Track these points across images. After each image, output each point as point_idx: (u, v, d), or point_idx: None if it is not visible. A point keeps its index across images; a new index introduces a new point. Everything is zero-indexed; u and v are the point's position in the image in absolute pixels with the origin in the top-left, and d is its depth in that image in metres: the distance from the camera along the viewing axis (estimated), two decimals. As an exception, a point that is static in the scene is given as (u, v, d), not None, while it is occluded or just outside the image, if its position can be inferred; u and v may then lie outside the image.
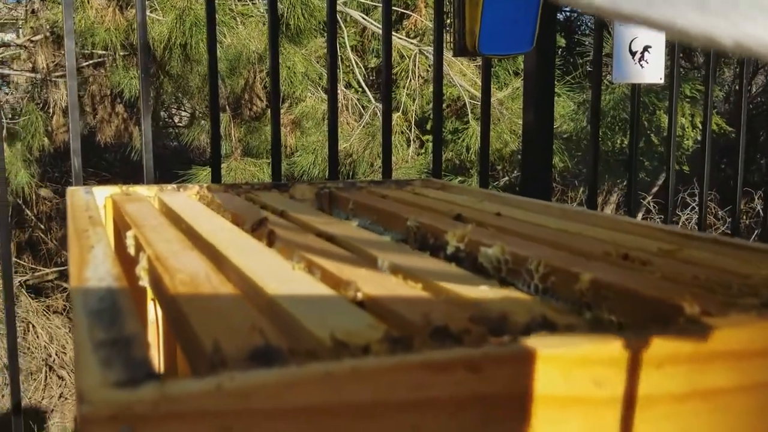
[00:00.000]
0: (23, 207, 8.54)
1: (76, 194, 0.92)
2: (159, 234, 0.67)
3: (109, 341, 0.33)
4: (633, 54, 2.53)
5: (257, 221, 0.73)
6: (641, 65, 2.52)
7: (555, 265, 0.59)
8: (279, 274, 0.51)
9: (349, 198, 1.00)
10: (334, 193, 1.06)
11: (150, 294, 0.60)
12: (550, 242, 0.69)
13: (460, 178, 5.12)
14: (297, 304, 0.44)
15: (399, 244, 0.66)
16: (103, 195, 0.97)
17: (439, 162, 1.92)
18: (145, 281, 0.56)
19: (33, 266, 8.85)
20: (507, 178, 5.44)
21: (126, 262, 0.71)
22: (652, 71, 2.51)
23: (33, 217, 8.84)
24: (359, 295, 0.48)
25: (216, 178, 1.58)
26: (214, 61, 1.64)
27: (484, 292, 0.49)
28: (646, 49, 2.52)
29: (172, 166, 7.65)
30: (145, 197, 0.95)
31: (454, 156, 5.31)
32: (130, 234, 0.70)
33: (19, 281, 8.44)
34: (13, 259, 8.44)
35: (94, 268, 0.47)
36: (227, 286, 0.48)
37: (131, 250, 0.69)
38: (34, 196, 8.29)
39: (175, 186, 1.02)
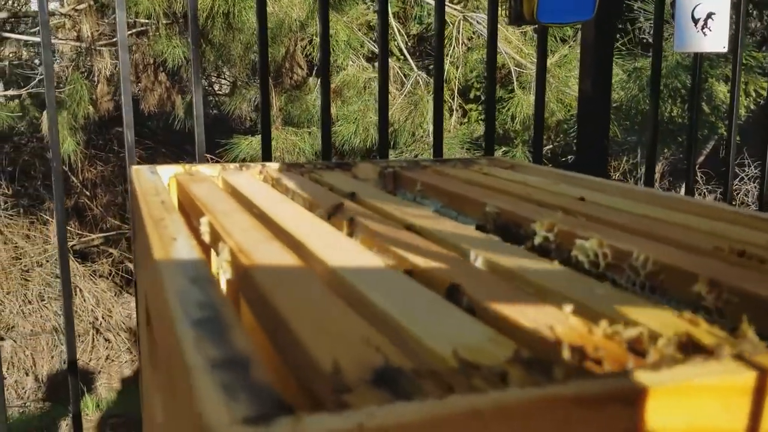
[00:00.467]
0: (69, 174, 8.70)
1: (141, 175, 0.90)
2: (234, 221, 0.64)
3: (223, 361, 0.30)
4: (695, 21, 2.42)
5: (333, 206, 0.70)
6: (704, 33, 2.41)
7: (665, 263, 0.55)
8: (374, 275, 0.48)
9: (416, 179, 0.96)
10: (399, 173, 1.03)
11: (225, 283, 0.57)
12: (649, 234, 0.64)
13: (504, 149, 5.03)
14: (405, 313, 0.40)
15: (486, 236, 0.62)
16: (167, 175, 0.94)
17: (492, 138, 1.86)
18: (228, 274, 0.54)
19: (79, 232, 9.05)
20: (551, 146, 5.33)
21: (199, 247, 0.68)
22: (715, 39, 2.39)
23: (79, 184, 9.01)
24: (465, 300, 0.45)
25: (267, 156, 1.55)
26: (264, 37, 1.60)
27: (606, 298, 0.45)
28: (709, 16, 2.41)
29: (213, 135, 7.68)
30: (209, 177, 0.93)
31: (498, 126, 5.21)
32: (204, 221, 0.67)
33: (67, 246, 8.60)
34: (60, 225, 8.60)
35: (184, 267, 0.45)
36: (324, 289, 0.45)
37: (206, 238, 0.66)
38: (79, 164, 8.44)
39: (237, 165, 0.99)
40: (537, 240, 0.68)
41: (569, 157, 5.38)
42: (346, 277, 0.47)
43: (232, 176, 0.94)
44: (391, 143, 5.47)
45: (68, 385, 1.59)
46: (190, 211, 0.77)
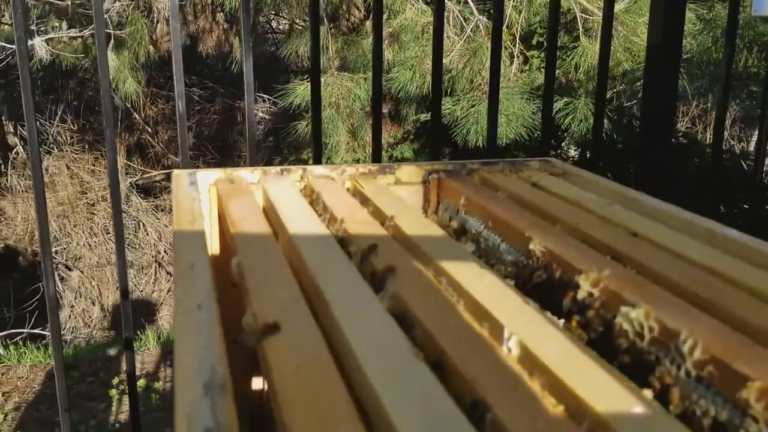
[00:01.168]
0: (132, 111, 8.85)
1: (180, 184, 0.89)
2: (266, 272, 0.62)
3: None
4: (778, -19, 2.24)
5: (367, 249, 0.67)
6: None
7: (715, 354, 0.51)
8: (396, 371, 0.45)
9: (461, 191, 0.92)
10: (443, 181, 0.99)
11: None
12: (707, 302, 0.60)
13: (566, 99, 4.86)
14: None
15: (524, 302, 0.58)
16: (207, 181, 0.93)
17: (548, 140, 1.78)
18: (253, 340, 0.52)
19: (142, 168, 9.26)
20: (617, 102, 5.12)
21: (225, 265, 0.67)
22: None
23: (141, 121, 9.16)
24: (489, 420, 0.42)
25: (317, 160, 1.53)
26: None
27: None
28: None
29: (267, 75, 7.65)
30: (249, 187, 0.91)
31: (561, 74, 5.02)
32: (234, 263, 0.65)
33: (130, 182, 8.86)
34: (124, 161, 8.82)
35: (199, 370, 0.43)
36: (341, 395, 0.42)
37: (236, 278, 0.64)
38: (141, 102, 8.56)
39: (278, 170, 0.97)
40: (580, 295, 0.64)
41: (634, 105, 5.15)
42: (367, 374, 0.45)
43: (271, 186, 0.91)
44: (448, 90, 5.35)
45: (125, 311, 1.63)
46: (225, 238, 0.76)
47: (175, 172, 0.95)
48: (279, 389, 0.45)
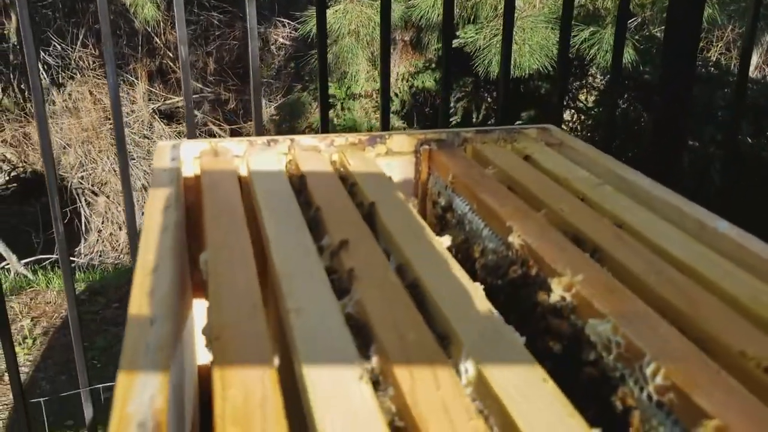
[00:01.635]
0: (153, 36, 8.75)
1: (161, 158, 0.87)
2: (230, 276, 0.61)
3: None
4: None
5: (337, 246, 0.66)
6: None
7: (676, 382, 0.49)
8: (335, 397, 0.45)
9: (449, 167, 0.90)
10: (434, 153, 0.96)
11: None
12: (681, 315, 0.57)
13: (592, 29, 4.68)
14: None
15: (491, 316, 0.57)
16: (191, 153, 0.91)
17: (560, 110, 1.70)
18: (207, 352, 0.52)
19: (164, 93, 9.23)
20: (645, 30, 4.92)
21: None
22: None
23: (162, 46, 9.07)
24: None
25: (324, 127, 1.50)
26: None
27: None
28: None
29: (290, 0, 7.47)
30: (233, 162, 0.89)
31: (588, 2, 4.83)
32: (202, 260, 0.65)
33: (152, 108, 8.86)
34: (146, 87, 8.80)
35: (146, 351, 0.43)
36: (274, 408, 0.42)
37: (204, 276, 0.64)
38: (162, 26, 8.46)
39: (266, 141, 0.94)
40: (552, 298, 0.63)
41: (658, 31, 4.95)
42: (310, 399, 0.44)
43: (256, 160, 0.89)
44: (471, 17, 5.19)
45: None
46: (200, 226, 0.75)
47: (159, 145, 0.93)
48: (218, 412, 0.44)
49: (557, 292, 0.62)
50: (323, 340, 0.52)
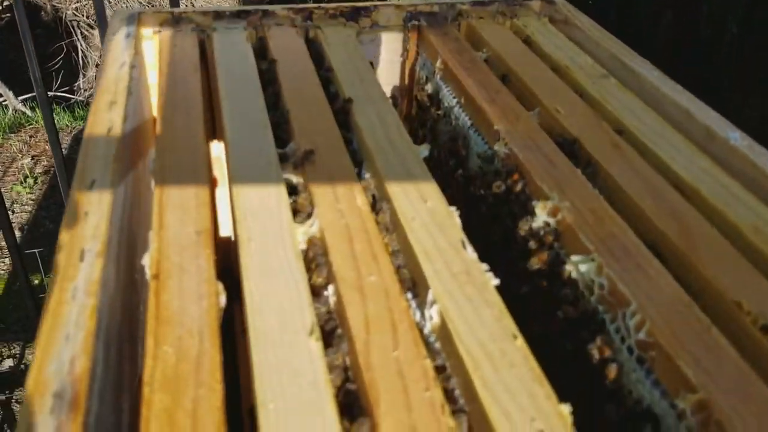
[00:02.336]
0: None
1: (114, 33, 0.78)
2: (181, 189, 0.55)
3: None
4: None
5: (303, 155, 0.59)
6: None
7: (661, 341, 0.44)
8: (281, 339, 0.40)
9: (438, 50, 0.80)
10: (424, 31, 0.86)
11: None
12: (674, 250, 0.52)
13: None
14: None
15: (463, 253, 0.51)
16: (151, 27, 0.82)
17: None
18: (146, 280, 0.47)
19: None
20: None
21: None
22: None
23: None
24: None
25: None
26: None
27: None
28: None
29: None
30: (192, 46, 0.79)
31: None
32: (150, 161, 0.58)
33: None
34: None
35: (73, 295, 0.38)
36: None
37: (154, 180, 0.58)
38: None
39: (234, 12, 0.84)
40: (535, 223, 0.57)
41: None
42: (254, 363, 0.40)
43: (221, 39, 0.80)
44: None
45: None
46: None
47: (114, 16, 0.83)
48: (147, 373, 0.40)
49: (541, 217, 0.56)
50: (275, 279, 0.47)
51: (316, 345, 0.42)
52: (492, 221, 0.64)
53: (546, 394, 0.40)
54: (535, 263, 0.55)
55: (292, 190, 0.57)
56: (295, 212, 0.55)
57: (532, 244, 0.56)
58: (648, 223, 0.55)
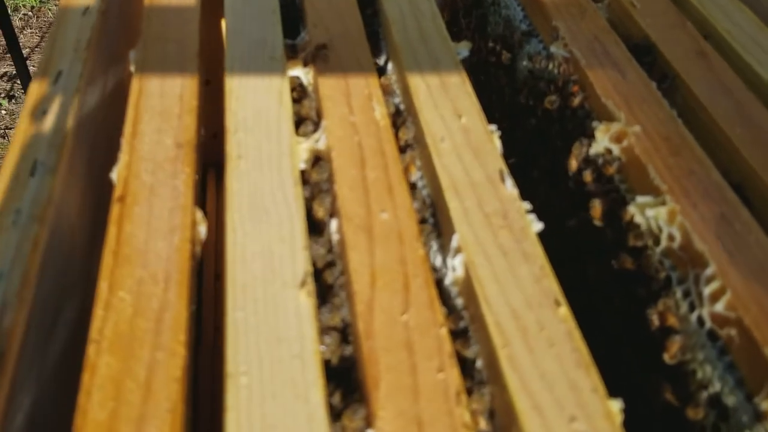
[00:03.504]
0: None
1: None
2: (162, 85, 0.46)
3: None
4: None
5: (313, 51, 0.49)
6: None
7: (744, 319, 0.35)
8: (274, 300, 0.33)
9: None
10: None
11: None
12: (761, 186, 0.41)
13: None
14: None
15: (499, 185, 0.41)
16: None
17: None
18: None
19: None
20: None
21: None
22: None
23: None
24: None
25: None
26: None
27: None
28: None
29: None
30: None
31: None
32: (131, 57, 0.49)
33: None
34: None
35: (15, 219, 0.31)
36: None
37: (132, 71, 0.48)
38: None
39: None
40: (594, 149, 0.46)
41: None
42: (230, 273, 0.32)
43: None
44: None
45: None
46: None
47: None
48: (95, 327, 0.33)
49: (602, 142, 0.46)
50: (265, 212, 0.38)
51: (306, 302, 0.34)
52: (540, 143, 0.54)
53: (592, 386, 0.32)
54: (592, 204, 0.45)
55: (299, 94, 0.47)
56: (300, 121, 0.45)
57: (587, 176, 0.46)
58: (737, 158, 0.44)
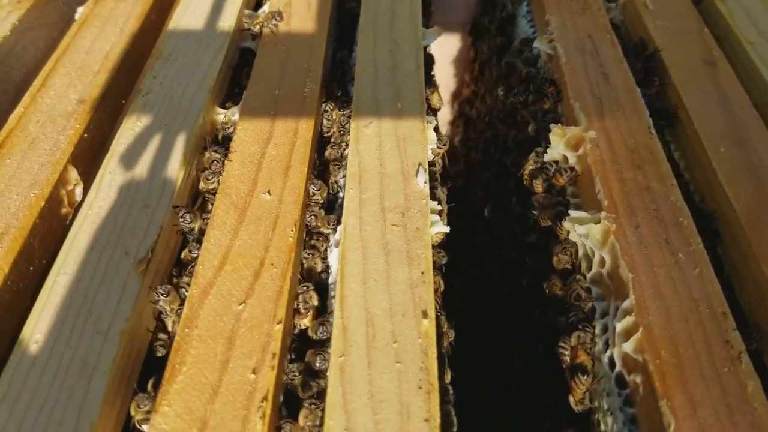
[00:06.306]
0: None
1: None
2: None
3: None
4: None
5: (261, 23, 0.45)
6: None
7: (649, 365, 0.28)
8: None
9: None
10: None
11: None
12: (737, 239, 0.34)
13: None
14: None
15: (411, 177, 0.36)
16: None
17: None
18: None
19: None
20: None
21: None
22: None
23: None
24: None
25: None
26: None
27: None
28: None
29: None
30: None
31: None
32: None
33: None
34: None
35: None
36: None
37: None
38: None
39: None
40: (548, 155, 0.40)
41: None
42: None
43: None
44: None
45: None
46: None
47: None
48: None
49: (557, 148, 0.40)
50: (132, 186, 0.35)
51: (135, 279, 0.30)
52: (496, 143, 0.48)
53: (426, 415, 0.26)
54: (540, 220, 0.39)
55: (238, 64, 0.44)
56: (230, 92, 0.42)
57: (538, 186, 0.40)
58: (714, 181, 0.37)
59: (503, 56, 0.55)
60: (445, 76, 0.80)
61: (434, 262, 0.35)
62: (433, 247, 0.35)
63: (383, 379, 0.27)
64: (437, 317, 0.32)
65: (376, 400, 0.27)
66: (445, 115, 0.83)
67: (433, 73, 0.46)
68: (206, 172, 0.37)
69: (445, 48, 0.77)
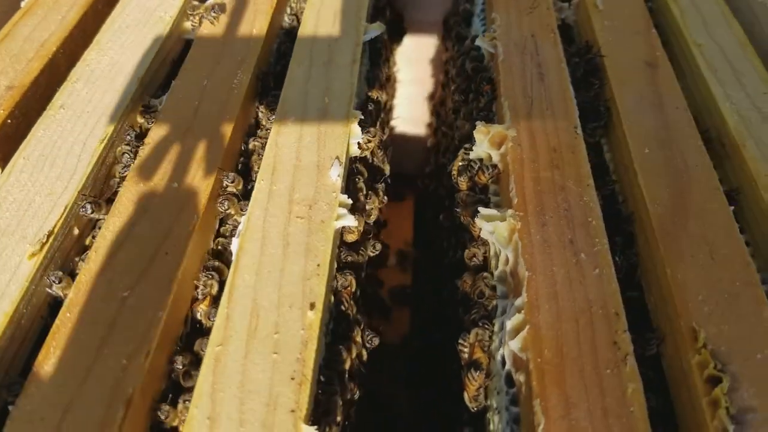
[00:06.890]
0: None
1: None
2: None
3: None
4: None
5: (201, 14, 0.46)
6: None
7: (531, 362, 0.28)
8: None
9: None
10: None
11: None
12: (647, 243, 0.34)
13: None
14: None
15: (326, 169, 0.36)
16: None
17: None
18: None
19: None
20: None
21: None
22: None
23: None
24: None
25: None
26: None
27: None
28: None
29: None
30: None
31: None
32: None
33: None
34: None
35: None
36: None
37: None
38: None
39: None
40: (474, 152, 0.40)
41: None
42: None
43: None
44: None
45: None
46: None
47: None
48: None
49: (481, 146, 0.39)
50: (42, 174, 0.35)
51: (27, 264, 0.31)
52: (452, 146, 0.48)
53: (294, 406, 0.26)
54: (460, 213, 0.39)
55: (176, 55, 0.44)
56: (164, 83, 0.42)
57: (462, 182, 0.40)
58: (633, 182, 0.37)
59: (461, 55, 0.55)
60: (422, 76, 0.79)
61: (354, 262, 0.35)
62: (358, 246, 0.35)
63: (257, 369, 0.27)
64: (347, 314, 0.32)
65: (245, 391, 0.27)
66: (422, 115, 0.82)
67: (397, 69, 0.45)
68: (119, 165, 0.37)
69: (421, 48, 0.77)
